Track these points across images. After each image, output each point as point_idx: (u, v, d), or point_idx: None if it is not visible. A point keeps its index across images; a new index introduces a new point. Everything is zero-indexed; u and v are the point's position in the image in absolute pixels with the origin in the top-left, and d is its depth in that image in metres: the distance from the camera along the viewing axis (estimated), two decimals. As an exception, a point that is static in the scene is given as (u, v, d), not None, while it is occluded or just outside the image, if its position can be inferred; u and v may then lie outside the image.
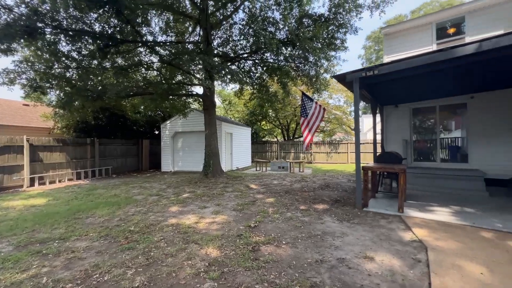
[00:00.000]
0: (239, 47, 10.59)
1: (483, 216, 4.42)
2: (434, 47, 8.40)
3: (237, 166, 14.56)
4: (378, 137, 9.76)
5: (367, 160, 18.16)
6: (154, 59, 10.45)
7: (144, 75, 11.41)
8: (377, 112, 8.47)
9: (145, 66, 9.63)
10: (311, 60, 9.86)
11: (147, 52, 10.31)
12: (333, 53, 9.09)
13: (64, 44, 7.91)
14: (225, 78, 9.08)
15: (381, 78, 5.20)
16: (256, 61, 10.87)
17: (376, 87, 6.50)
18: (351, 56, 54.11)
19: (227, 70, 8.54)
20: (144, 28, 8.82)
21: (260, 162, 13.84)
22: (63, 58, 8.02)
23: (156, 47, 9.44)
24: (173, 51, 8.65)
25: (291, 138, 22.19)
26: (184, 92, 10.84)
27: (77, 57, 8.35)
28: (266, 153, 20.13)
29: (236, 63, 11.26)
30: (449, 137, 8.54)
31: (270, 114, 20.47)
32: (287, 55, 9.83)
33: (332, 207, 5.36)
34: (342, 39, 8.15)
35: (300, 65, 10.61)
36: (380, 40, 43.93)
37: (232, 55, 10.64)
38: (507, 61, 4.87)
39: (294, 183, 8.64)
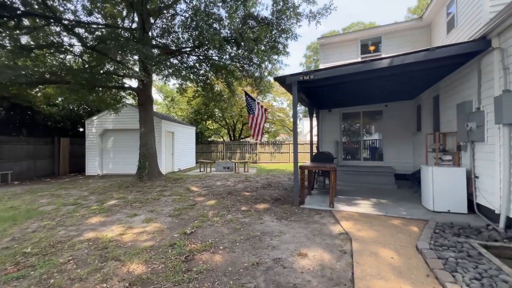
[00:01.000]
0: (181, 40, 9.91)
1: (393, 206, 5.22)
2: (359, 60, 9.63)
3: (179, 168, 13.65)
4: (315, 139, 10.59)
5: (306, 159, 19.72)
6: (77, 42, 8.79)
7: (62, 60, 9.49)
8: (314, 115, 9.19)
9: (62, 49, 7.98)
10: (255, 61, 10.00)
11: (66, 34, 8.57)
12: (275, 56, 9.43)
13: None
14: (164, 71, 8.33)
15: (316, 83, 5.59)
16: (201, 57, 10.39)
17: (313, 92, 6.99)
18: (294, 63, 58.21)
19: (167, 63, 7.83)
20: (60, 3, 7.28)
21: (205, 162, 13.33)
22: None
23: (77, 29, 7.95)
24: (99, 34, 7.42)
25: (238, 138, 22.24)
26: (114, 84, 9.47)
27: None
28: (211, 153, 19.59)
29: (179, 57, 10.51)
30: (369, 139, 9.93)
31: (216, 113, 20.03)
32: (232, 54, 9.72)
33: (272, 206, 5.47)
34: (284, 44, 8.54)
35: (245, 66, 10.65)
36: (317, 51, 48.73)
37: (173, 48, 9.87)
38: (408, 77, 5.91)
39: (238, 184, 8.58)
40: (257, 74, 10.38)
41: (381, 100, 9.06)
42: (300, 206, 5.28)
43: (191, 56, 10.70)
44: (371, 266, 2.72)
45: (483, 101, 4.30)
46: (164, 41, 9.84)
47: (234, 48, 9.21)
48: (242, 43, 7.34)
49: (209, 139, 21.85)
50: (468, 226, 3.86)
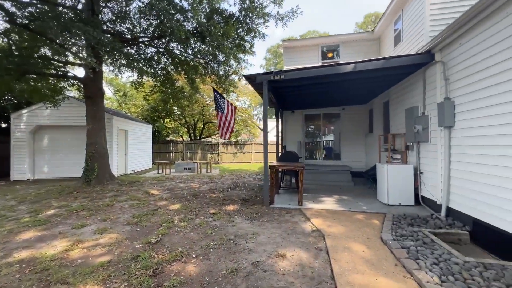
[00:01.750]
0: (138, 29, 8.98)
1: (354, 201, 5.63)
2: (320, 64, 10.20)
3: (133, 169, 12.39)
4: (274, 139, 10.82)
5: (272, 159, 20.10)
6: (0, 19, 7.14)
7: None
8: (279, 116, 9.38)
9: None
10: (220, 59, 9.71)
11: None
12: (241, 55, 9.31)
13: None
14: (120, 61, 7.43)
15: (285, 83, 5.66)
16: (160, 49, 9.58)
17: (280, 92, 7.10)
18: (255, 64, 59.13)
19: (123, 51, 6.97)
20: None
21: (163, 163, 12.40)
22: None
23: (4, 2, 6.47)
24: (31, 11, 6.18)
25: (198, 138, 21.38)
26: (55, 71, 8.04)
27: None
28: (170, 153, 18.38)
29: (135, 48, 9.51)
30: (329, 139, 10.60)
31: (175, 111, 18.85)
32: (196, 49, 9.23)
33: (242, 207, 5.33)
34: (251, 43, 8.47)
35: (210, 62, 10.26)
36: (277, 54, 50.52)
37: (128, 36, 8.87)
38: (365, 82, 6.47)
39: (203, 185, 8.17)
40: (221, 72, 10.08)
41: (339, 104, 9.77)
42: (270, 206, 5.27)
43: (150, 48, 9.79)
44: (346, 261, 2.82)
45: (427, 107, 4.94)
46: (118, 28, 8.78)
47: (198, 43, 8.76)
48: (208, 38, 6.99)
49: (167, 139, 20.48)
50: (417, 217, 4.37)
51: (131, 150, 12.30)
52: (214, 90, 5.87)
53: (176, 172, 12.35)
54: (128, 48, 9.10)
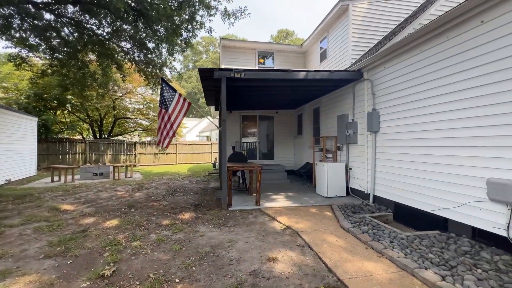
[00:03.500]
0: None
1: (300, 197, 6.19)
2: (257, 68, 10.63)
3: (7, 179, 8.85)
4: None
5: (202, 159, 19.09)
6: None
7: None
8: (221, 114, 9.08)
9: None
10: (150, 46, 8.44)
11: None
12: (178, 46, 8.35)
13: None
14: None
15: (237, 82, 5.55)
16: (64, 18, 7.27)
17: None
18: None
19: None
20: None
21: (59, 168, 9.56)
22: None
23: None
24: None
25: (107, 136, 17.65)
26: None
27: None
28: (66, 155, 14.28)
29: (19, 8, 6.78)
30: (264, 140, 11.18)
31: (73, 101, 14.72)
32: (117, 27, 7.54)
33: (198, 213, 4.83)
34: (193, 32, 7.65)
35: (133, 48, 8.71)
36: (196, 52, 49.21)
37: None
38: (303, 89, 7.21)
39: (134, 193, 6.82)
40: (150, 69, 8.73)
41: (273, 107, 10.51)
42: (229, 209, 5.04)
43: (45, 12, 7.25)
44: (331, 252, 3.08)
45: (356, 115, 6.08)
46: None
47: (128, 25, 7.26)
48: (153, 13, 5.77)
49: (60, 136, 15.80)
50: (354, 205, 5.30)
51: (3, 152, 8.73)
52: (163, 80, 4.96)
53: (82, 179, 9.75)
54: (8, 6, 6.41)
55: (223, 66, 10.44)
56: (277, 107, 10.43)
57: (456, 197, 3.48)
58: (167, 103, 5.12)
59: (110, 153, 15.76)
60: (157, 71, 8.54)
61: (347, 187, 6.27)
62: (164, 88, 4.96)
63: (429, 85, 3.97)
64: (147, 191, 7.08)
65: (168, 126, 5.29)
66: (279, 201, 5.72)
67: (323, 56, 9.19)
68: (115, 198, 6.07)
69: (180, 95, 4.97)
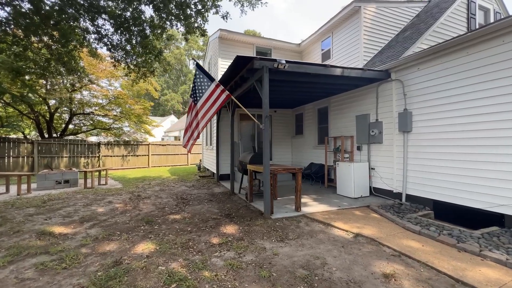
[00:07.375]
0: None
1: (327, 199, 5.93)
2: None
3: None
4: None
5: (181, 161, 17.37)
6: None
7: None
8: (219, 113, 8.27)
9: None
10: (134, 30, 7.12)
11: None
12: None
13: None
14: None
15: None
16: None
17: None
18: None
19: None
20: None
21: (7, 176, 7.43)
22: None
23: None
24: None
25: (59, 135, 14.64)
26: None
27: None
28: (3, 159, 11.28)
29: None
30: (261, 140, 10.66)
31: (11, 89, 11.64)
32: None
33: (240, 225, 4.13)
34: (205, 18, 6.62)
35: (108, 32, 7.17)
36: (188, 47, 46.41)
37: None
38: (313, 87, 6.86)
39: (137, 204, 5.57)
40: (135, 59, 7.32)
41: (273, 106, 10.09)
42: (272, 217, 4.45)
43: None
44: (434, 259, 2.84)
45: (380, 115, 6.12)
46: None
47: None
48: None
49: (-7, 135, 12.43)
50: (390, 205, 5.27)
51: None
52: (198, 65, 4.03)
53: (40, 188, 7.75)
54: None
55: (220, 61, 9.60)
56: (277, 106, 10.06)
57: (516, 194, 3.65)
58: (197, 95, 4.26)
59: (66, 156, 13.11)
60: (153, 58, 7.26)
61: (369, 187, 6.28)
62: (198, 76, 4.09)
63: (479, 87, 4.12)
64: (150, 201, 5.89)
65: (194, 124, 4.44)
66: (313, 206, 5.35)
67: (326, 56, 9.18)
68: (119, 213, 4.82)
69: (217, 85, 4.15)
